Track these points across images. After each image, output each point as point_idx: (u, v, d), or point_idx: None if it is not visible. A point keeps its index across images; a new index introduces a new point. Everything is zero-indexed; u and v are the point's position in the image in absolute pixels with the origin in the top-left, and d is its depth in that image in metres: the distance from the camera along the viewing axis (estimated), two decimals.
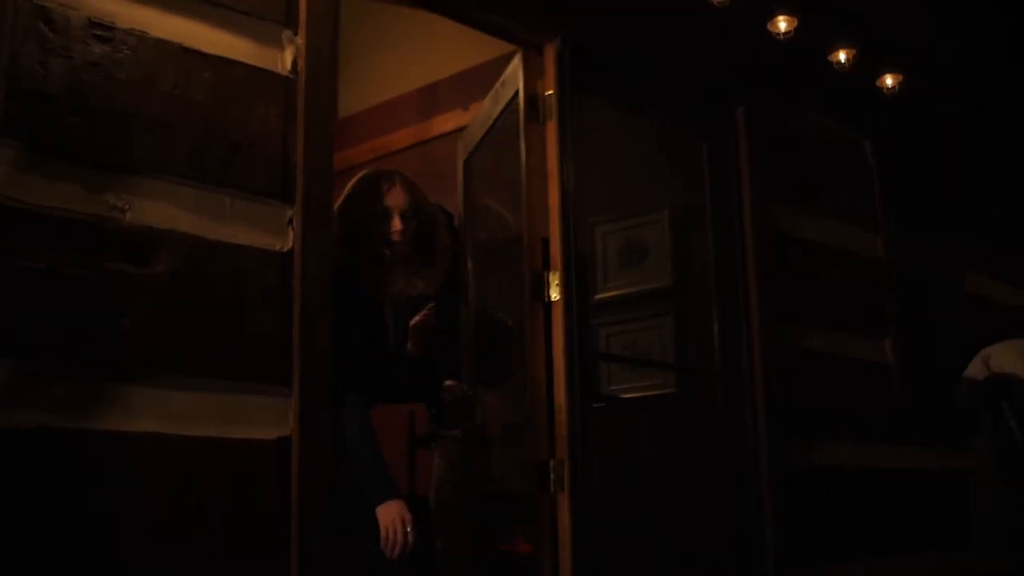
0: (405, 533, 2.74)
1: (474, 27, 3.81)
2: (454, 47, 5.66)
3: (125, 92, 2.53)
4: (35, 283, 2.31)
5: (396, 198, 3.26)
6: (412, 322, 3.53)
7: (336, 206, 3.15)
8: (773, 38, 4.09)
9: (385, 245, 3.23)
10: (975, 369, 4.46)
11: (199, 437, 2.52)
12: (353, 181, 3.35)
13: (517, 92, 3.71)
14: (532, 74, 3.75)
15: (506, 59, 4.18)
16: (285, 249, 2.75)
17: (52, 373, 2.32)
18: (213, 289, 2.61)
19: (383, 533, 2.91)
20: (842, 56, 4.33)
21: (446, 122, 5.80)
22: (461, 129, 4.89)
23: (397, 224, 3.21)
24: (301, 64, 2.87)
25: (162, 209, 2.55)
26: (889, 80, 4.55)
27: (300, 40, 2.88)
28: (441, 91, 5.93)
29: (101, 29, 2.51)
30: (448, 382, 3.70)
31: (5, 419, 2.22)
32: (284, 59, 2.86)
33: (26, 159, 2.34)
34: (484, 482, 3.88)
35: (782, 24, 4.02)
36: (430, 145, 5.85)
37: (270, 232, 2.74)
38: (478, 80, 5.29)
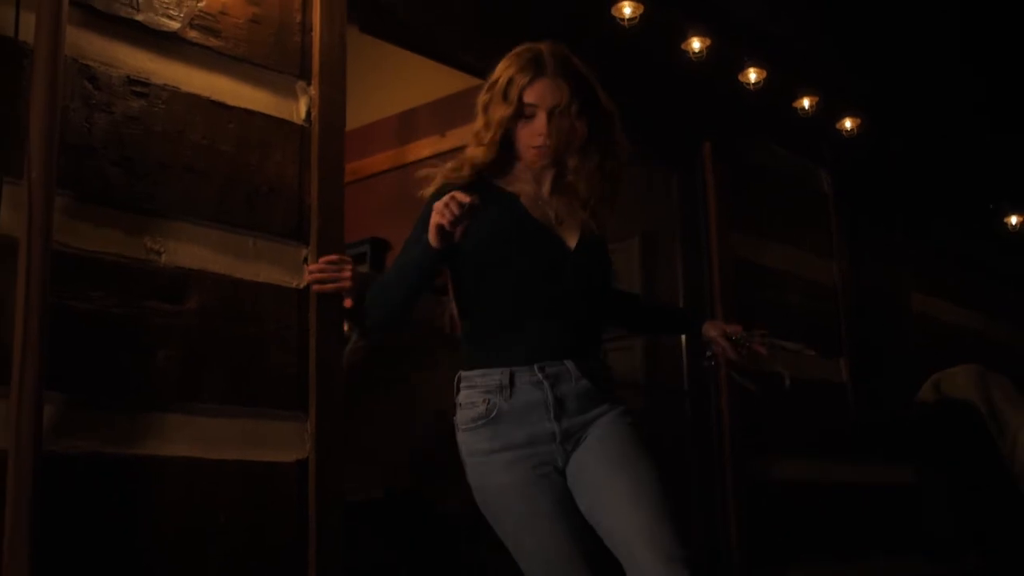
0: (448, 208, 2.13)
1: (455, 67, 4.06)
2: (431, 75, 5.88)
3: (160, 143, 2.75)
4: (84, 322, 2.54)
5: (540, 92, 2.42)
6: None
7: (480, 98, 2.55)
8: (743, 87, 4.38)
9: (530, 153, 2.46)
10: (926, 393, 4.77)
11: (227, 460, 2.75)
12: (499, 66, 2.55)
13: None
14: None
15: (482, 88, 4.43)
16: (301, 286, 2.99)
17: (99, 404, 2.55)
18: (238, 323, 2.84)
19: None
20: (806, 103, 4.65)
21: (423, 148, 6.00)
22: (438, 155, 5.10)
23: (540, 125, 2.41)
24: (314, 113, 3.10)
25: (193, 251, 2.78)
26: (848, 123, 4.89)
27: (313, 91, 3.12)
28: (419, 117, 6.14)
29: (138, 85, 2.74)
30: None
31: (59, 445, 2.44)
32: (299, 108, 3.09)
33: (75, 207, 2.56)
34: None
35: (752, 75, 4.32)
36: (407, 170, 6.05)
37: (288, 270, 2.97)
38: (455, 107, 5.50)
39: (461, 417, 2.42)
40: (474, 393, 2.38)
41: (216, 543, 2.70)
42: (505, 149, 2.52)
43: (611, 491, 2.31)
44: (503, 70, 2.48)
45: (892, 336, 5.51)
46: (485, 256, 2.43)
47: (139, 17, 2.76)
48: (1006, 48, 5.08)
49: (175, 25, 2.83)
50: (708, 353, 2.67)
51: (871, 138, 5.10)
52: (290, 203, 3.02)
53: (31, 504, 2.31)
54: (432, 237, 2.29)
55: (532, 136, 2.47)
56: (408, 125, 6.23)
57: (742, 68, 4.37)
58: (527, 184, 2.53)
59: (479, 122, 2.54)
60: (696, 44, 4.04)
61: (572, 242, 2.47)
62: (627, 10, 3.69)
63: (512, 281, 2.41)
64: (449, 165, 2.59)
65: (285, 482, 2.86)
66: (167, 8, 2.82)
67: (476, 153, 2.51)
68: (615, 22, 3.87)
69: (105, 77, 2.68)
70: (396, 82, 6.20)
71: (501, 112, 2.46)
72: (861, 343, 5.22)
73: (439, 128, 5.94)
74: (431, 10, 3.63)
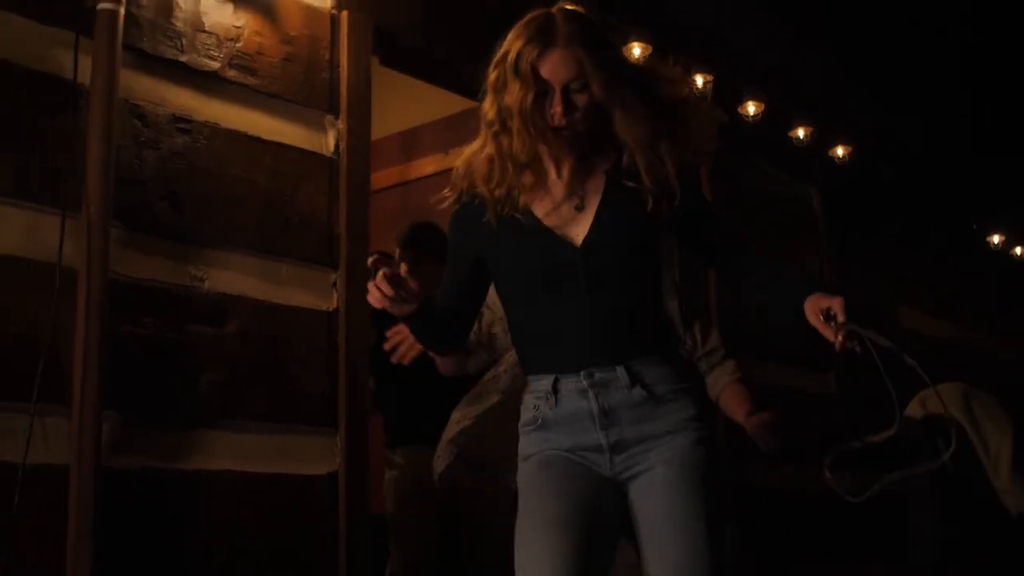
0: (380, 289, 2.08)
1: (473, 99, 4.23)
2: (435, 94, 6.05)
3: (203, 177, 2.95)
4: (136, 345, 2.73)
5: (552, 65, 2.13)
6: None
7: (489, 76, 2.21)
8: (742, 118, 4.59)
9: (549, 136, 2.16)
10: (913, 409, 4.95)
11: (265, 473, 2.94)
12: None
13: None
14: None
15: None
16: (331, 309, 3.18)
17: (150, 422, 2.74)
18: (274, 345, 3.03)
19: None
20: (801, 133, 4.87)
21: (427, 165, 6.17)
22: (441, 172, 5.29)
23: (556, 105, 2.13)
24: (342, 146, 3.29)
25: (233, 277, 2.98)
26: (840, 151, 5.11)
27: (341, 124, 3.31)
28: (423, 135, 6.32)
29: (183, 123, 2.93)
30: None
31: (115, 461, 2.63)
32: (328, 142, 3.28)
33: (127, 238, 2.75)
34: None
35: (751, 108, 4.54)
36: (411, 186, 6.23)
37: (318, 294, 3.16)
38: (459, 126, 5.64)
39: (521, 420, 2.26)
40: (530, 398, 2.22)
41: (257, 548, 2.89)
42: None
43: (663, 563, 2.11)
44: (511, 42, 2.17)
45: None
46: (501, 270, 2.25)
47: (183, 58, 2.95)
48: (993, 80, 5.33)
49: (216, 65, 3.02)
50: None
51: (861, 163, 5.32)
52: (320, 231, 3.21)
53: (93, 515, 2.50)
54: (393, 311, 2.18)
55: (548, 116, 2.15)
56: (412, 143, 6.41)
57: (742, 101, 4.58)
58: (559, 178, 2.23)
59: (487, 102, 2.21)
60: (700, 80, 4.25)
61: (581, 234, 2.18)
62: (636, 51, 3.90)
63: (533, 292, 2.20)
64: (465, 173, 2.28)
65: (318, 493, 3.06)
66: (208, 49, 3.01)
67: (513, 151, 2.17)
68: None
69: (153, 115, 2.87)
70: (401, 101, 6.36)
71: (519, 94, 2.12)
72: (849, 356, 5.42)
73: (443, 147, 6.10)
74: (449, 45, 3.82)
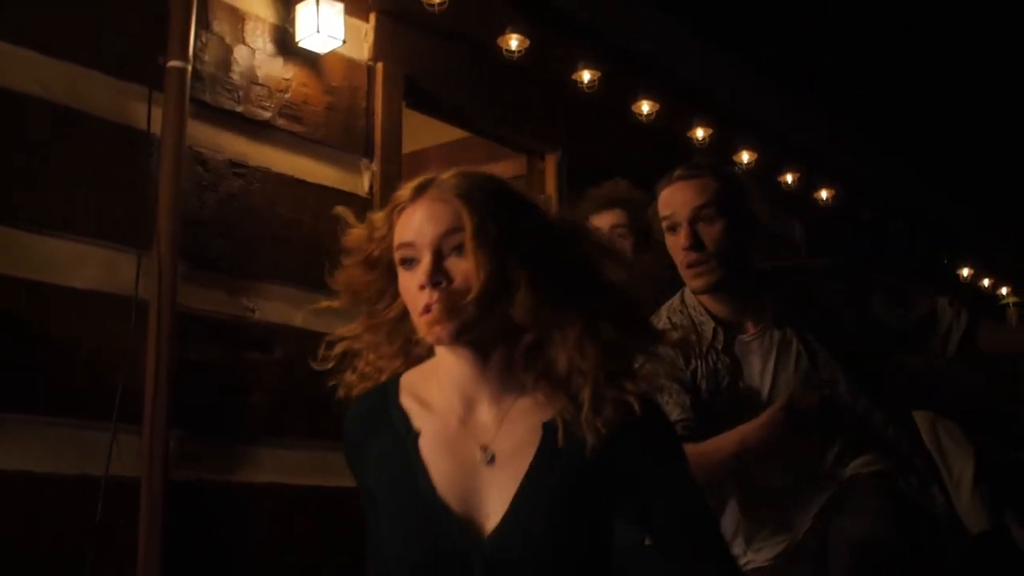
0: None
1: (491, 139, 4.57)
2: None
3: (255, 217, 3.26)
4: (196, 370, 3.04)
5: (417, 222, 1.56)
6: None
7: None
8: (736, 164, 4.96)
9: (420, 323, 1.55)
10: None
11: (304, 485, 3.26)
12: None
13: None
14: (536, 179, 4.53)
15: None
16: None
17: (206, 439, 3.05)
18: (313, 370, 3.34)
19: None
20: (789, 178, 5.23)
21: None
22: None
23: (422, 275, 1.51)
24: (376, 186, 3.61)
25: (279, 308, 3.29)
26: (824, 194, 5.47)
27: (375, 167, 3.63)
28: (428, 157, 6.60)
29: (238, 168, 3.24)
30: None
31: (178, 474, 2.94)
32: (363, 183, 3.60)
33: (191, 274, 3.06)
34: None
35: (745, 156, 4.91)
36: None
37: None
38: (463, 150, 5.98)
39: None
40: None
41: (293, 558, 3.20)
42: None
43: None
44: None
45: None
46: (384, 543, 1.64)
47: (239, 108, 3.27)
48: (966, 130, 5.72)
49: (267, 115, 3.34)
50: None
51: (844, 202, 5.69)
52: None
53: (161, 523, 2.81)
54: None
55: (414, 294, 1.53)
56: (418, 164, 6.69)
57: (737, 151, 4.93)
58: (449, 394, 1.60)
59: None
60: (700, 133, 4.59)
61: (491, 517, 1.51)
62: (645, 107, 4.25)
63: None
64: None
65: (349, 503, 3.35)
66: (261, 100, 3.33)
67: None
68: (635, 116, 4.51)
69: (213, 161, 3.19)
70: (407, 124, 6.64)
71: (356, 245, 1.69)
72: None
73: (447, 167, 6.38)
74: (466, 93, 4.14)
